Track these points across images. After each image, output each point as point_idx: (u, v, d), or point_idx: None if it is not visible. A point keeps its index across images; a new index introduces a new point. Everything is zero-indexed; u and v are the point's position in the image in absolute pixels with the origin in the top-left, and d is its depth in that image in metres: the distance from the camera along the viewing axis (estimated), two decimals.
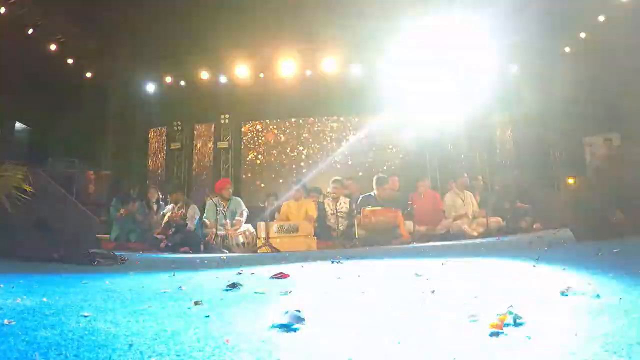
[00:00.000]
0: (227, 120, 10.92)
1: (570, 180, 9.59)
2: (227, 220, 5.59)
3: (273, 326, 1.00)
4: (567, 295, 1.14)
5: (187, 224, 5.45)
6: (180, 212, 5.59)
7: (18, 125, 7.13)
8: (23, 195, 2.61)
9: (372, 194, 5.80)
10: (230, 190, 5.86)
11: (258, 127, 11.26)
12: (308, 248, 5.07)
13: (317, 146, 11.03)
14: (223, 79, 10.41)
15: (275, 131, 11.18)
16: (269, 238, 5.06)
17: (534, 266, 1.82)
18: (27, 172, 2.74)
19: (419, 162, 10.84)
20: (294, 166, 10.87)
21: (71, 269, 2.40)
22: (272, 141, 11.12)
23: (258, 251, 4.95)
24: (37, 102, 7.82)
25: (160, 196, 6.85)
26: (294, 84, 10.27)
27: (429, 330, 0.91)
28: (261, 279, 2.00)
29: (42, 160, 7.80)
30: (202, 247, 5.38)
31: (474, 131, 10.69)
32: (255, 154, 11.08)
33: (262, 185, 10.61)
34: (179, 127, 10.84)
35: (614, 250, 2.11)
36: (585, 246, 2.53)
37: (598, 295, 1.10)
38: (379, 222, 5.21)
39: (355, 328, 0.96)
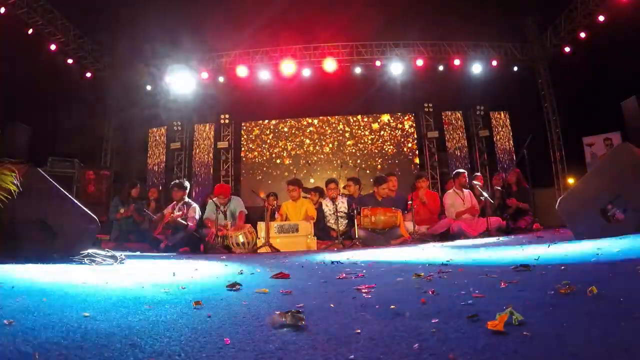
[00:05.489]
0: (227, 120, 10.93)
1: (571, 180, 9.60)
2: (228, 220, 5.60)
3: (273, 326, 1.00)
4: (567, 295, 1.15)
5: (187, 224, 5.45)
6: (180, 212, 5.59)
7: (18, 125, 7.13)
8: (8, 196, 2.56)
9: (371, 193, 5.80)
10: (227, 199, 5.78)
11: (258, 127, 11.26)
12: (308, 248, 5.08)
13: (317, 146, 11.03)
14: (223, 79, 10.41)
15: (274, 130, 11.18)
16: (269, 238, 5.07)
17: (534, 266, 1.82)
18: (17, 172, 2.68)
19: (419, 162, 10.87)
20: (293, 166, 10.88)
21: (71, 268, 2.40)
22: (271, 141, 11.12)
23: (258, 251, 4.95)
24: (37, 102, 7.81)
25: (160, 196, 6.86)
26: (294, 84, 10.27)
27: (429, 331, 0.91)
28: (261, 279, 2.00)
29: (42, 160, 7.80)
30: (202, 247, 5.38)
31: (474, 131, 10.72)
32: (255, 153, 11.08)
33: (262, 185, 10.60)
34: (179, 127, 10.84)
35: (614, 250, 2.11)
36: (585, 246, 2.52)
37: (598, 295, 1.10)
38: (379, 222, 5.21)
39: (355, 328, 0.96)
